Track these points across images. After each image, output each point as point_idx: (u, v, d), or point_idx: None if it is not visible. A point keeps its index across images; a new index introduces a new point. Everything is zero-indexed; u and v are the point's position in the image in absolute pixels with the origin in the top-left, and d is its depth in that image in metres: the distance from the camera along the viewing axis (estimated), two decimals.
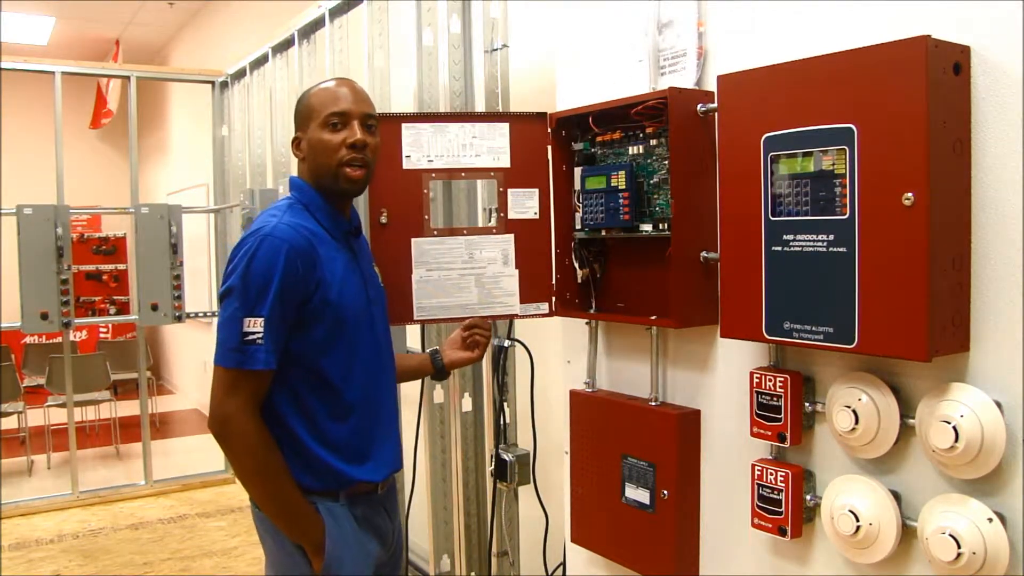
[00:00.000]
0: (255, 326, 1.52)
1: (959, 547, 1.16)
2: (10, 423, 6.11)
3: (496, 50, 2.68)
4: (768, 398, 1.43)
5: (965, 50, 1.19)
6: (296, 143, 1.71)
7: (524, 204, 1.91)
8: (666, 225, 1.64)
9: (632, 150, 1.71)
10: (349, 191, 1.68)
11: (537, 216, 1.91)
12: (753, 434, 1.46)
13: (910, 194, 1.16)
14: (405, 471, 3.03)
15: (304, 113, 1.68)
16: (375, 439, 1.70)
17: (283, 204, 1.67)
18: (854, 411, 1.30)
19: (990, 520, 1.16)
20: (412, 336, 2.94)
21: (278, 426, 1.60)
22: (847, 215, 1.24)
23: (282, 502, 1.60)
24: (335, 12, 3.65)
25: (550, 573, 2.52)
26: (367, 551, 1.69)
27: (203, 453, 5.99)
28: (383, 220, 1.84)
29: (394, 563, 1.84)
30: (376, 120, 1.69)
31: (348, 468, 1.64)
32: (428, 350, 1.97)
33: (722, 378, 1.63)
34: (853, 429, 1.31)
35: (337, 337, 1.62)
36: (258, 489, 1.60)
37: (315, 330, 1.59)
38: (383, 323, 1.77)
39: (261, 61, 4.63)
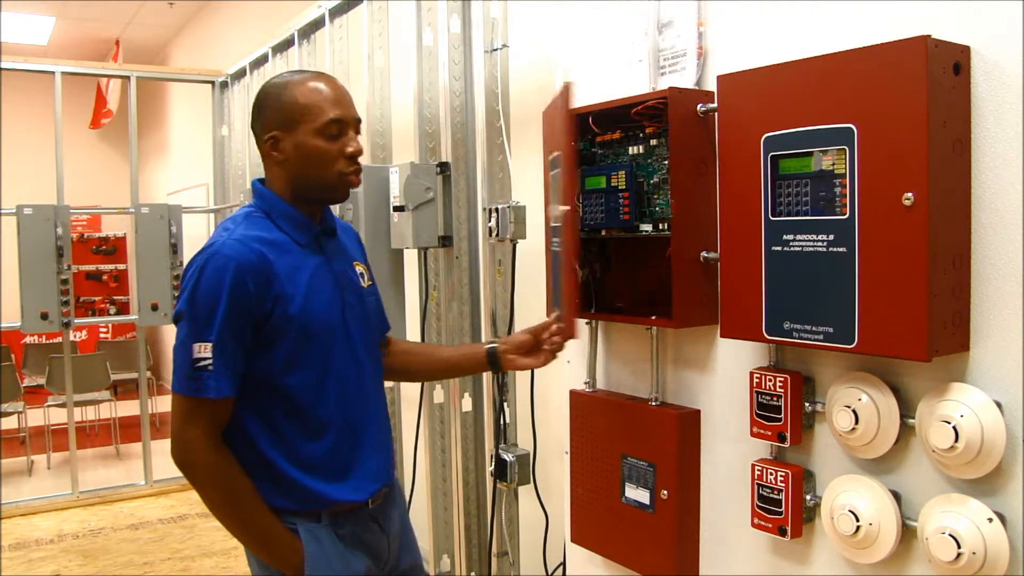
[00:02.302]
0: (204, 351, 1.44)
1: (959, 547, 1.16)
2: (10, 423, 6.11)
3: (496, 50, 2.68)
4: (768, 398, 1.43)
5: (965, 50, 1.19)
6: (273, 142, 1.55)
7: None
8: (666, 225, 1.63)
9: (632, 150, 1.71)
10: (340, 200, 1.62)
11: None
12: (753, 434, 1.47)
13: (910, 194, 1.16)
14: (405, 471, 3.04)
15: (289, 113, 1.54)
16: (356, 455, 1.60)
17: (240, 215, 1.58)
18: (854, 411, 1.30)
19: (990, 520, 1.16)
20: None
21: (250, 449, 1.53)
22: (847, 215, 1.24)
23: (252, 530, 1.53)
24: (335, 12, 3.65)
25: (550, 573, 2.52)
26: (353, 570, 1.60)
27: None
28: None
29: None
30: (360, 122, 1.62)
31: (327, 488, 1.55)
32: (486, 345, 1.80)
33: (722, 378, 1.63)
34: (853, 429, 1.31)
35: (303, 353, 1.53)
36: (227, 519, 1.53)
37: (278, 348, 1.50)
38: (364, 329, 1.66)
39: (261, 61, 4.63)
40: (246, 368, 1.51)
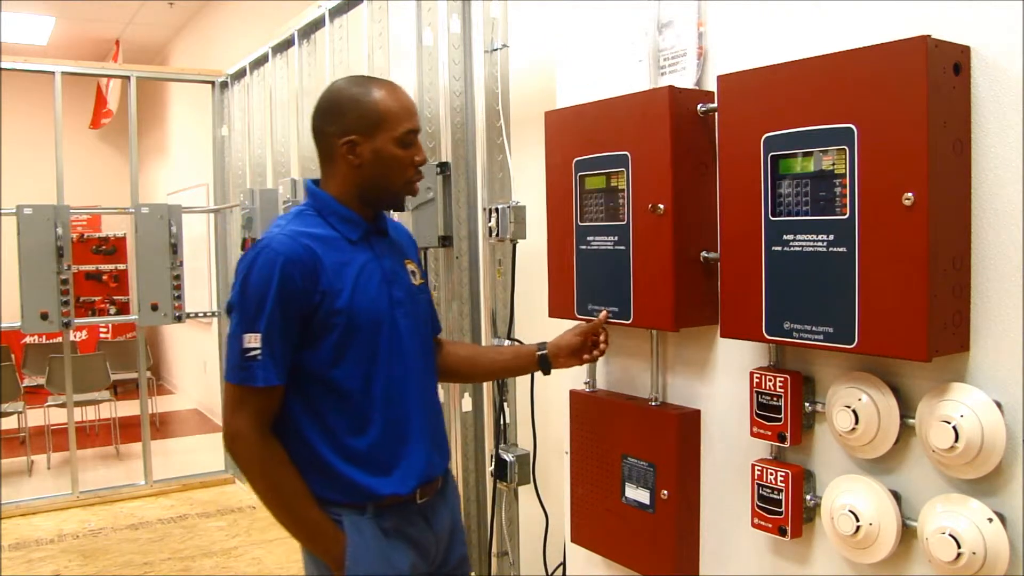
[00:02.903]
0: (253, 342, 1.50)
1: (959, 547, 1.16)
2: (10, 423, 6.10)
3: (496, 50, 2.68)
4: (768, 398, 1.43)
5: (965, 50, 1.19)
6: (351, 146, 1.59)
7: None
8: None
9: None
10: (400, 206, 1.68)
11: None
12: (753, 434, 1.47)
13: (910, 194, 1.16)
14: None
15: (372, 119, 1.58)
16: (402, 449, 1.62)
17: (293, 212, 1.65)
18: (854, 411, 1.30)
19: (990, 520, 1.16)
20: None
21: (297, 440, 1.57)
22: (847, 215, 1.24)
23: (295, 518, 1.57)
24: (335, 12, 3.66)
25: (550, 573, 2.52)
26: (394, 565, 1.61)
27: (203, 453, 5.99)
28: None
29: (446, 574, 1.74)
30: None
31: (372, 481, 1.58)
32: (537, 351, 1.80)
33: (722, 378, 1.63)
34: (853, 429, 1.31)
35: (350, 346, 1.57)
36: (271, 505, 1.57)
37: (326, 341, 1.55)
38: (413, 324, 1.67)
39: (261, 61, 4.63)
40: (296, 361, 1.55)
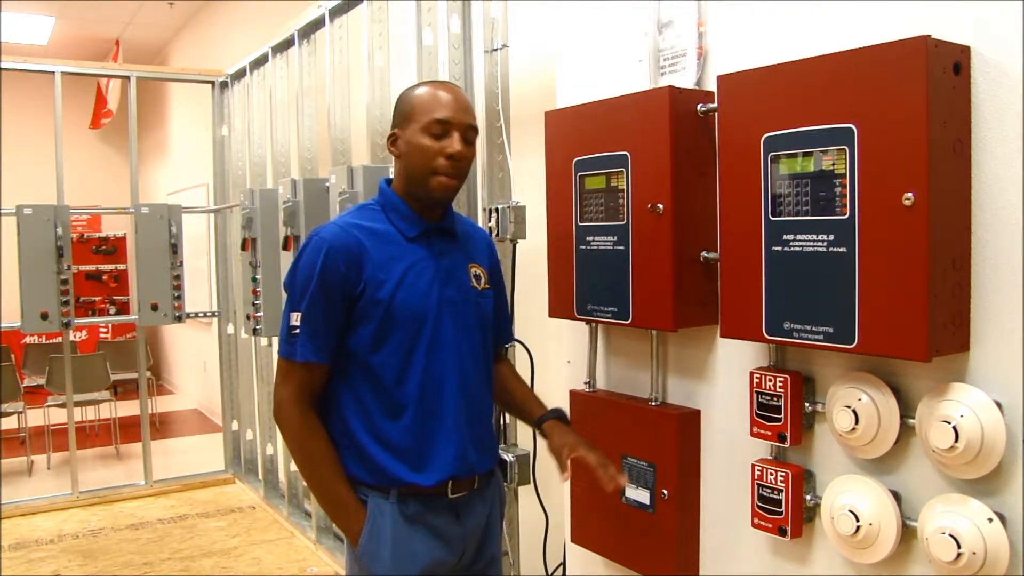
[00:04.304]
0: (296, 320, 1.62)
1: (959, 547, 1.16)
2: (10, 423, 6.10)
3: (496, 50, 2.68)
4: (768, 398, 1.43)
5: (965, 50, 1.19)
6: (392, 140, 1.69)
7: None
8: None
9: None
10: (438, 199, 1.66)
11: None
12: (753, 434, 1.47)
13: (910, 194, 1.16)
14: None
15: (406, 112, 1.66)
16: (433, 442, 1.64)
17: (357, 205, 1.74)
18: (854, 411, 1.30)
19: (990, 520, 1.16)
20: None
21: (336, 416, 1.66)
22: (847, 215, 1.24)
23: (323, 490, 1.66)
24: (335, 12, 3.65)
25: (550, 573, 2.52)
26: (413, 551, 1.63)
27: (203, 453, 5.99)
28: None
29: (476, 574, 1.75)
30: (476, 131, 1.67)
31: (397, 467, 1.62)
32: (545, 417, 1.76)
33: (722, 378, 1.63)
34: (853, 429, 1.31)
35: (389, 335, 1.62)
36: (302, 472, 1.68)
37: (366, 327, 1.62)
38: (461, 323, 1.68)
39: (261, 61, 4.63)
40: (341, 343, 1.64)
